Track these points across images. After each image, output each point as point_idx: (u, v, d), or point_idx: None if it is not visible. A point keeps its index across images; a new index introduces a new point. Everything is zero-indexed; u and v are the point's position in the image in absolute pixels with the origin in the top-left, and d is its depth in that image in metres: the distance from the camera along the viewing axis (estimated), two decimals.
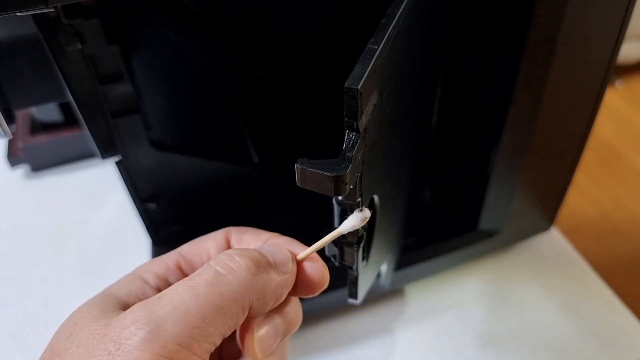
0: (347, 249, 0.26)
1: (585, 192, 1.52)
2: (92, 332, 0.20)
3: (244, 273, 0.22)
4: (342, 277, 0.29)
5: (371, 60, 0.22)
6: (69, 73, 0.30)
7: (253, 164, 0.44)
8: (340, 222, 0.24)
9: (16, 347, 0.44)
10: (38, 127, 0.59)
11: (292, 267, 0.24)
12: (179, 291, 0.21)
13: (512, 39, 0.31)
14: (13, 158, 0.58)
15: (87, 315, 0.21)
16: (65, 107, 0.59)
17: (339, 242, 0.26)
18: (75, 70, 0.30)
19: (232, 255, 0.22)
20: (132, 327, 0.20)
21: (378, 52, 0.22)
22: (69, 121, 0.59)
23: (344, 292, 0.29)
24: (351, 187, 0.22)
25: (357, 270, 0.27)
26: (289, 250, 0.25)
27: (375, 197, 0.28)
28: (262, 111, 0.42)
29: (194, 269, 0.25)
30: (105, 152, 0.34)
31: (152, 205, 0.40)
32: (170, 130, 0.39)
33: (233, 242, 0.27)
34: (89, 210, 0.55)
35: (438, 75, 0.38)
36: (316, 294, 0.25)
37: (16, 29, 0.31)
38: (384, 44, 0.23)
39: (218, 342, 0.21)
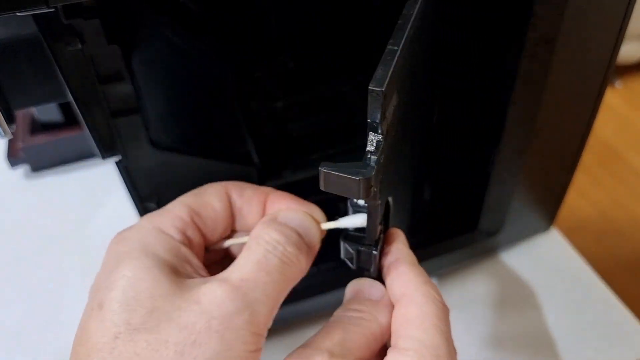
0: (364, 251, 0.26)
1: (585, 192, 1.52)
2: (180, 308, 0.21)
3: (300, 264, 0.25)
4: (342, 277, 0.29)
5: (392, 62, 0.22)
6: (69, 73, 0.30)
7: (253, 164, 0.44)
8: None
9: (17, 347, 0.43)
10: (38, 127, 0.59)
11: (318, 244, 0.27)
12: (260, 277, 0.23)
13: (512, 40, 0.31)
14: (13, 158, 0.58)
15: (156, 287, 0.22)
16: (65, 107, 0.59)
17: (355, 245, 0.27)
18: (75, 70, 0.30)
19: (285, 246, 0.25)
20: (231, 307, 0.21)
21: (398, 53, 0.22)
22: (69, 121, 0.59)
23: (343, 292, 0.29)
24: (375, 189, 0.22)
25: (374, 273, 0.27)
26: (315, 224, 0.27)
27: (390, 199, 0.28)
28: (262, 111, 0.42)
29: (205, 225, 0.27)
30: (106, 152, 0.34)
31: (152, 205, 0.40)
32: (170, 130, 0.39)
33: (235, 197, 0.29)
34: (90, 210, 0.55)
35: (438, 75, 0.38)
36: None
37: (16, 29, 0.31)
38: (403, 44, 0.23)
39: None
